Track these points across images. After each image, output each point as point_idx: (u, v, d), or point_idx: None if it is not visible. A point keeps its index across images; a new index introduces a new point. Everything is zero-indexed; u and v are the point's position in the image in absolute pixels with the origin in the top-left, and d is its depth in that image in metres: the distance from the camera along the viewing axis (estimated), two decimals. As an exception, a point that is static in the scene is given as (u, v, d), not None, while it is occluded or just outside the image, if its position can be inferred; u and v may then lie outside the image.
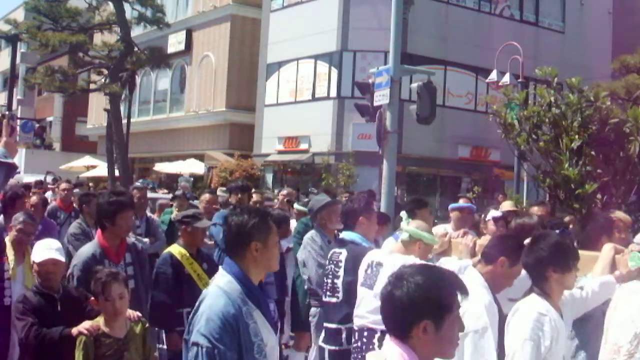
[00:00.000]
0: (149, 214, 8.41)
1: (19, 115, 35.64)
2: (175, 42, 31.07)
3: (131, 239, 7.79)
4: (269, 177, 26.00)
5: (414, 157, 22.49)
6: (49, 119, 43.22)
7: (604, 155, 6.90)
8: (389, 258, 4.46)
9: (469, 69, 24.75)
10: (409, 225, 4.52)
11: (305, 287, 6.14)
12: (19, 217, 5.60)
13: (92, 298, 4.07)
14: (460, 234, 5.16)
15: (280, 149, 25.64)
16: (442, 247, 4.83)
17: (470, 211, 7.10)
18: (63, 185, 9.82)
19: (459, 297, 2.19)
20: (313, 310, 6.04)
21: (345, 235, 5.30)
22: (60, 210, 9.10)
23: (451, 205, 7.19)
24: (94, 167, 30.54)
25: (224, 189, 15.04)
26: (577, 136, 6.83)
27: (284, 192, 10.98)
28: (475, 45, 24.12)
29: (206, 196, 8.66)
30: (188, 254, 5.40)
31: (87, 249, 4.93)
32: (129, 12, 23.94)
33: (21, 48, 33.23)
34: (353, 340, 4.66)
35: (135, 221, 7.99)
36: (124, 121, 24.46)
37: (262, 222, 2.95)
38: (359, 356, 4.51)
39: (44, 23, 24.27)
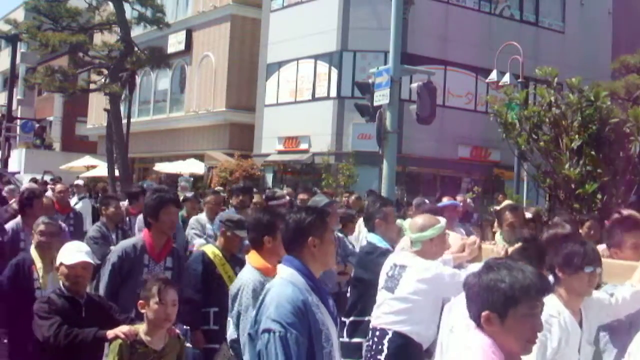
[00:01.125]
0: None
1: (19, 115, 35.64)
2: (175, 42, 31.06)
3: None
4: (269, 177, 25.99)
5: (414, 157, 22.48)
6: (49, 119, 43.21)
7: (604, 155, 6.90)
8: (413, 261, 4.41)
9: (469, 69, 24.73)
10: (410, 232, 4.48)
11: None
12: (38, 221, 5.37)
13: (141, 301, 3.84)
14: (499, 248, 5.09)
15: (280, 149, 25.63)
16: (472, 254, 4.71)
17: (453, 209, 7.11)
18: (59, 187, 9.65)
19: (537, 296, 2.25)
20: None
21: (367, 236, 5.50)
22: (57, 213, 8.67)
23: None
24: (94, 167, 30.53)
25: (221, 188, 15.04)
26: (577, 136, 6.84)
27: (284, 192, 11.00)
28: (475, 45, 24.11)
29: (212, 197, 8.46)
30: (221, 255, 5.39)
31: (130, 240, 4.96)
32: (129, 12, 23.93)
33: (21, 48, 33.23)
34: (367, 338, 4.68)
35: None
36: (124, 121, 24.47)
37: (319, 219, 3.05)
38: (369, 355, 4.50)
39: (44, 23, 24.27)
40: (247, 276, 4.00)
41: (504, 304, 2.22)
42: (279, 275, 3.00)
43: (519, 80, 18.41)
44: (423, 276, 4.30)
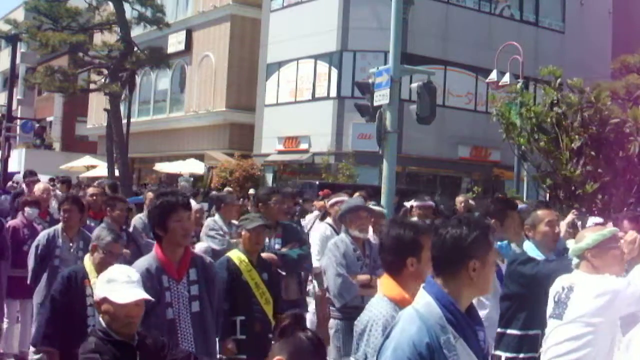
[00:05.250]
0: None
1: (19, 115, 35.63)
2: (175, 42, 31.06)
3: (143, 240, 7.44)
4: (269, 177, 25.98)
5: (414, 157, 22.49)
6: (49, 119, 43.21)
7: (604, 155, 6.92)
8: (580, 278, 3.78)
9: (469, 69, 24.74)
10: (571, 247, 3.90)
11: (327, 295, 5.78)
12: (104, 235, 4.61)
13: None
14: None
15: (280, 149, 25.64)
16: (631, 254, 3.99)
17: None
18: (91, 190, 9.33)
19: None
20: (331, 322, 5.50)
21: (524, 245, 4.83)
22: (90, 219, 7.99)
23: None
24: (94, 167, 30.52)
25: (229, 189, 15.03)
26: (577, 136, 6.85)
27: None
28: (475, 45, 24.11)
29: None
30: (247, 261, 5.03)
31: (141, 263, 4.02)
32: (129, 12, 23.93)
33: (21, 48, 33.18)
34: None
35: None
36: (124, 121, 24.46)
37: (483, 237, 2.53)
38: None
39: (44, 23, 24.27)
40: (377, 309, 3.12)
41: None
42: (414, 303, 2.57)
43: (519, 80, 18.42)
44: (596, 292, 3.64)
